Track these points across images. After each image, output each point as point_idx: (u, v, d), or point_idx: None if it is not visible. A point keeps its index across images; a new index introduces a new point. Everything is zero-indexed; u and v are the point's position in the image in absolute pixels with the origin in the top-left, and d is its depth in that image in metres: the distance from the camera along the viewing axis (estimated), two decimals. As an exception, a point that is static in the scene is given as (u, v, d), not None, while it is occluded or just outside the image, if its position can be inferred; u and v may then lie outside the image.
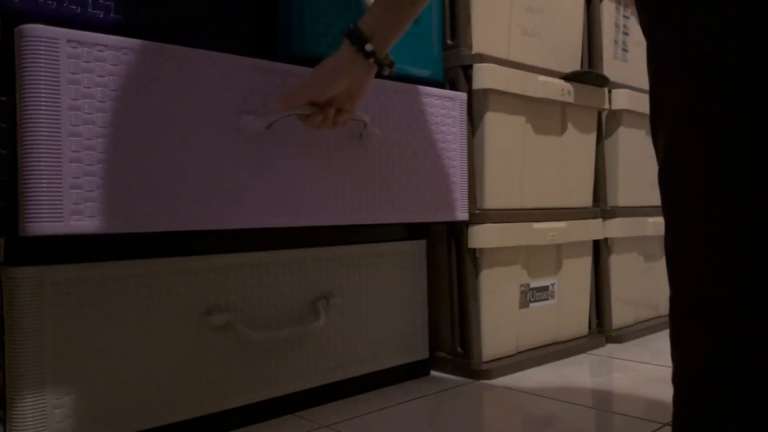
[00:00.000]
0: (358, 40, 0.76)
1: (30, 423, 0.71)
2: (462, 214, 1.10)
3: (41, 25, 0.66)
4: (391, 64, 0.80)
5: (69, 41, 0.68)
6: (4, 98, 0.69)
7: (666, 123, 0.49)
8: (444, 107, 1.07)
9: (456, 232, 1.17)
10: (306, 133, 0.87)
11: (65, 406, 0.73)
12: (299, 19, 0.90)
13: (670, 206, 0.49)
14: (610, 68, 1.47)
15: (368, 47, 0.76)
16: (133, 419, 0.78)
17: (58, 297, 0.73)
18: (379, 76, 0.83)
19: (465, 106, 1.10)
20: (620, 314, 1.47)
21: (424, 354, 1.15)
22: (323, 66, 0.79)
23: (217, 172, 0.79)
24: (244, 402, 0.89)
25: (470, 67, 1.14)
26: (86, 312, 0.75)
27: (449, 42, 1.17)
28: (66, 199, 0.68)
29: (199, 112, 0.77)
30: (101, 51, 0.70)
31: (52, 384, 0.72)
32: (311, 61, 0.85)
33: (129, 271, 0.78)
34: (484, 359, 1.16)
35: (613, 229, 1.42)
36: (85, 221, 0.69)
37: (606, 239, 1.43)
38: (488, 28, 1.18)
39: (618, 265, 1.45)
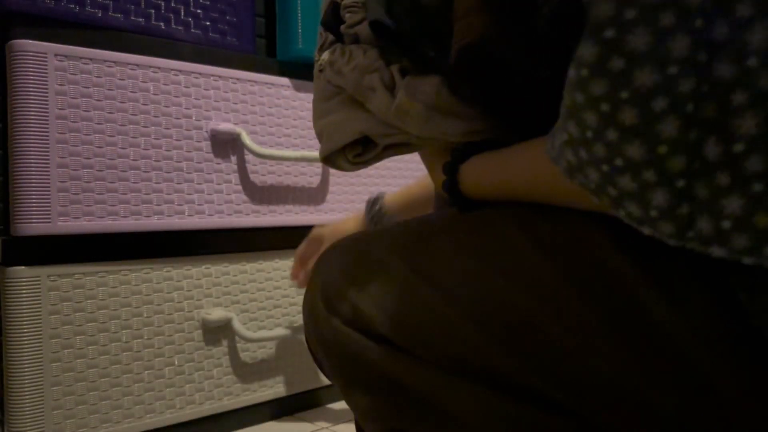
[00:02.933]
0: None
1: (29, 423, 0.74)
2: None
3: (31, 41, 0.72)
4: None
5: (56, 55, 0.73)
6: (-2, 108, 0.74)
7: None
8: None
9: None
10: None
11: (63, 407, 0.76)
12: (297, 20, 0.94)
13: None
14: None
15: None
16: (132, 419, 0.82)
17: (57, 297, 0.76)
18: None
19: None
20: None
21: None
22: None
23: (194, 176, 0.83)
24: (237, 406, 0.93)
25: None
26: (85, 313, 0.78)
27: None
28: (54, 201, 0.73)
29: (179, 119, 0.82)
30: (86, 64, 0.75)
31: (50, 385, 0.75)
32: (309, 61, 0.88)
33: (128, 272, 0.81)
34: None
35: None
36: (72, 222, 0.74)
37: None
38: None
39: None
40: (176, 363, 0.86)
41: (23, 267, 0.74)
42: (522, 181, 0.41)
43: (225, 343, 0.91)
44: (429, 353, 0.42)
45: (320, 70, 0.57)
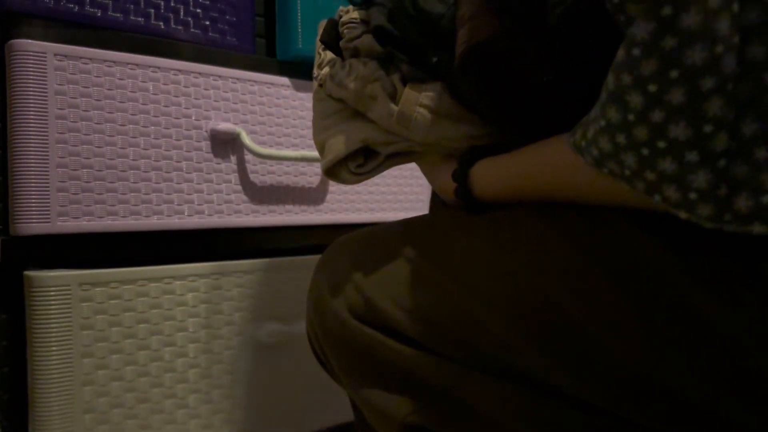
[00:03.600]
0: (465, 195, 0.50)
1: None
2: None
3: (30, 40, 0.72)
4: None
5: (56, 54, 0.73)
6: (-2, 107, 0.74)
7: None
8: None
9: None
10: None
11: (96, 410, 0.70)
12: (296, 20, 0.94)
13: None
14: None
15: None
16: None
17: (86, 300, 0.70)
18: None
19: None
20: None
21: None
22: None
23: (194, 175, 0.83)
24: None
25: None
26: (115, 316, 0.73)
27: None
28: (53, 201, 0.73)
29: (180, 119, 0.82)
30: (86, 64, 0.75)
31: (81, 387, 0.69)
32: (309, 60, 0.88)
33: (158, 275, 0.77)
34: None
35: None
36: (71, 222, 0.74)
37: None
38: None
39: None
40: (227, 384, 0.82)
41: (55, 271, 0.68)
42: (542, 180, 0.40)
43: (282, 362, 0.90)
44: (454, 350, 0.41)
45: (320, 85, 0.58)
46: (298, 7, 0.94)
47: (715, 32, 0.27)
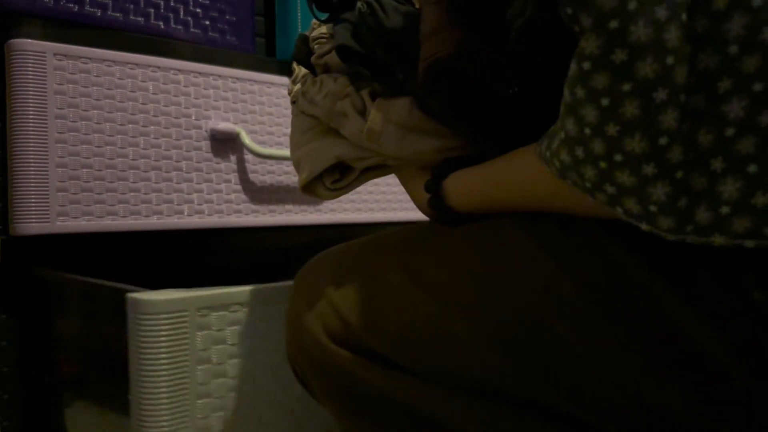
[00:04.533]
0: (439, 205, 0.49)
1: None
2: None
3: (30, 40, 0.71)
4: None
5: (56, 54, 0.73)
6: (-3, 107, 0.74)
7: None
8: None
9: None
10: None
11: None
12: (296, 20, 0.94)
13: None
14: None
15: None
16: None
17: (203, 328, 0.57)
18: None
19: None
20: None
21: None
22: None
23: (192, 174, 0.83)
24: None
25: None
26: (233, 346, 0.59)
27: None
28: (53, 201, 0.73)
29: (179, 118, 0.82)
30: (85, 63, 0.75)
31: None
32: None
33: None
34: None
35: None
36: (71, 222, 0.74)
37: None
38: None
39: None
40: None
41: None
42: (513, 190, 0.40)
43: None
44: (433, 370, 0.40)
45: (293, 102, 0.57)
46: (298, 7, 0.94)
47: (665, 43, 0.27)
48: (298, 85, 0.56)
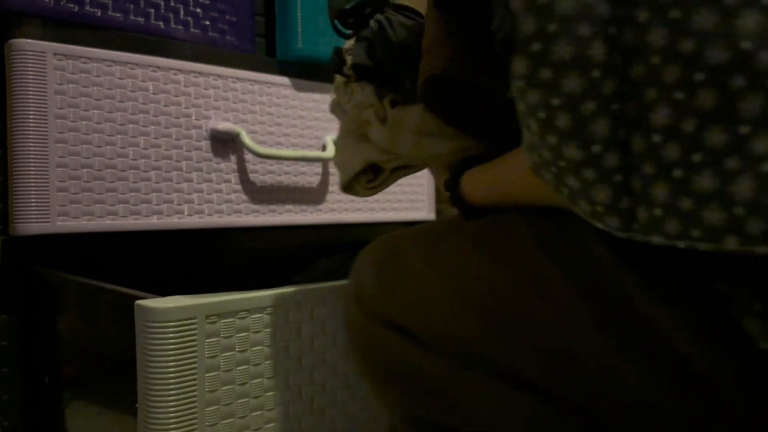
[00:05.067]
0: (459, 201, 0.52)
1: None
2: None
3: (30, 40, 0.71)
4: None
5: (56, 54, 0.73)
6: (-3, 107, 0.74)
7: None
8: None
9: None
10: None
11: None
12: (296, 20, 0.94)
13: None
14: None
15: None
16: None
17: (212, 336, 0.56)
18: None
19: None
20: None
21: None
22: None
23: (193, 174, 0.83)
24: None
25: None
26: (243, 353, 0.59)
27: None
28: (53, 201, 0.73)
29: (178, 119, 0.82)
30: (86, 63, 0.75)
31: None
32: (309, 60, 0.88)
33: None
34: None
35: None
36: (71, 222, 0.74)
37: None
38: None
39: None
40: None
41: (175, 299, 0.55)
42: (513, 187, 0.43)
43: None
44: (441, 344, 0.44)
45: (332, 111, 0.64)
46: (298, 7, 0.94)
47: (590, 59, 0.28)
48: (334, 95, 0.63)
